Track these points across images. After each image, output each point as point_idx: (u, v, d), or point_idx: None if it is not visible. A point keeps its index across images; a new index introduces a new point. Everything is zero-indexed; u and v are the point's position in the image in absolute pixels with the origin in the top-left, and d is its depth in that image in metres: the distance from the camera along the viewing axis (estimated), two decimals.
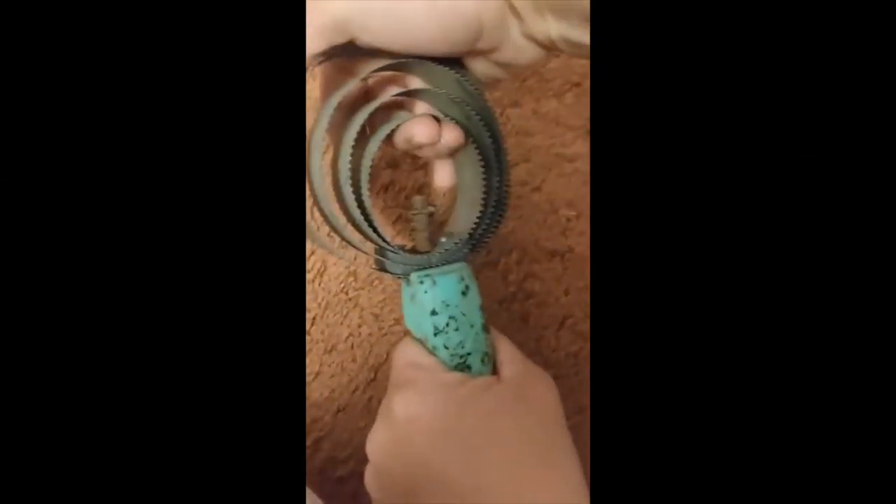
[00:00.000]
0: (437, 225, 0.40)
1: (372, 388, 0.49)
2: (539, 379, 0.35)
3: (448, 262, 0.37)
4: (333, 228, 0.36)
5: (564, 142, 0.51)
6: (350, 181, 0.34)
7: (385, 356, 0.49)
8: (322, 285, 0.48)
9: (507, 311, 0.50)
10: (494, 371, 0.37)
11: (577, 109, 0.51)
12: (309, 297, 0.48)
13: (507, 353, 0.37)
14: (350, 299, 0.48)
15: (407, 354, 0.37)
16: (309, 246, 0.48)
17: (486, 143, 0.37)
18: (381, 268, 0.37)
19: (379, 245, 0.36)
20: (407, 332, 0.38)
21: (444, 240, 0.38)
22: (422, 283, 0.36)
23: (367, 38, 0.31)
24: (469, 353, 0.36)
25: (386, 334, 0.48)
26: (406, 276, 0.37)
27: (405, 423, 0.33)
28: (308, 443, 0.48)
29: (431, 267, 0.37)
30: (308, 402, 0.48)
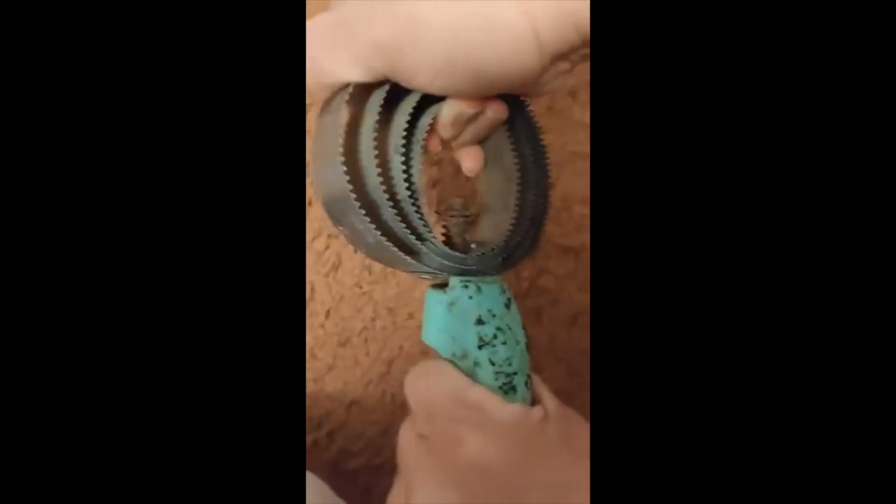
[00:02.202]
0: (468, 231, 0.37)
1: (385, 382, 0.50)
2: (574, 415, 0.33)
3: (484, 272, 0.33)
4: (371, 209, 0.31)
5: (578, 139, 0.51)
6: (402, 153, 0.30)
7: (399, 350, 0.49)
8: (337, 279, 0.48)
9: (520, 307, 0.51)
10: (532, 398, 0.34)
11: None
12: (324, 290, 0.48)
13: (539, 384, 0.34)
14: (364, 293, 0.48)
15: (447, 387, 0.32)
16: (315, 240, 0.48)
17: (527, 156, 0.35)
18: (416, 268, 0.33)
19: (419, 231, 0.31)
20: (425, 354, 0.36)
21: (474, 246, 0.35)
22: (466, 287, 0.33)
23: (414, 80, 0.27)
24: (515, 373, 0.33)
25: (400, 328, 0.49)
26: (443, 280, 0.33)
27: (473, 473, 0.30)
28: (321, 435, 0.49)
29: (469, 272, 0.33)
30: (322, 395, 0.49)
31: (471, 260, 0.33)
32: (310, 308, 0.48)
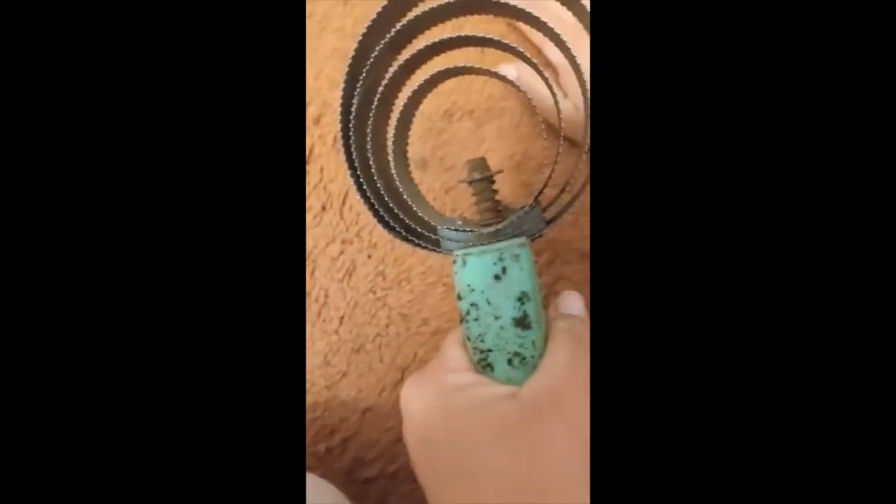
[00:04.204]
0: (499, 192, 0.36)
1: (399, 389, 0.49)
2: (565, 403, 0.28)
3: (500, 240, 0.32)
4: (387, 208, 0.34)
5: None
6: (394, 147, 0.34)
7: (413, 357, 0.49)
8: (351, 284, 0.48)
9: None
10: None
11: None
12: (338, 296, 0.48)
13: (549, 360, 0.30)
14: (378, 299, 0.48)
15: (447, 338, 0.33)
16: (329, 245, 0.48)
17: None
18: (434, 245, 0.34)
19: (416, 218, 0.34)
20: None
21: (514, 212, 0.33)
22: (455, 262, 0.32)
23: None
24: (490, 350, 0.31)
25: (414, 335, 0.48)
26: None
27: (405, 411, 0.31)
28: (335, 443, 0.48)
29: (479, 244, 0.33)
30: (335, 402, 0.48)
31: (482, 235, 0.33)
32: (323, 314, 0.48)
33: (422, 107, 0.36)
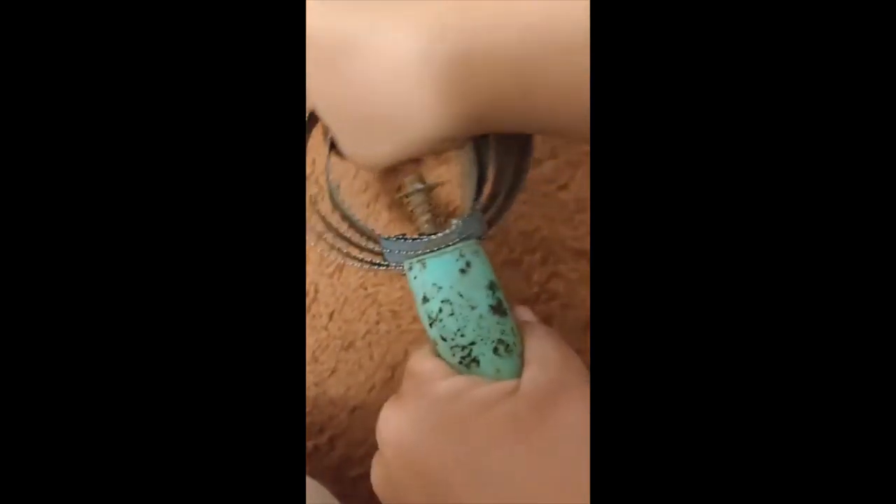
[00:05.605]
0: (438, 203, 0.37)
1: (389, 388, 0.48)
2: (571, 392, 0.28)
3: (451, 244, 0.32)
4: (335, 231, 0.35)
5: None
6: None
7: (403, 354, 0.48)
8: (341, 280, 0.47)
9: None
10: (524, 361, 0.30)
11: None
12: (327, 291, 0.47)
13: (537, 351, 0.29)
14: (369, 295, 0.47)
15: (410, 361, 0.32)
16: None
17: None
18: (378, 262, 0.34)
19: (363, 233, 0.34)
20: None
21: (454, 220, 0.34)
22: (411, 268, 0.32)
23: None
24: (473, 343, 0.30)
25: (404, 332, 0.47)
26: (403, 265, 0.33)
27: (388, 448, 0.29)
28: (323, 440, 0.47)
29: (428, 251, 0.32)
30: (324, 400, 0.47)
31: (432, 242, 0.33)
32: (313, 310, 0.47)
33: None
